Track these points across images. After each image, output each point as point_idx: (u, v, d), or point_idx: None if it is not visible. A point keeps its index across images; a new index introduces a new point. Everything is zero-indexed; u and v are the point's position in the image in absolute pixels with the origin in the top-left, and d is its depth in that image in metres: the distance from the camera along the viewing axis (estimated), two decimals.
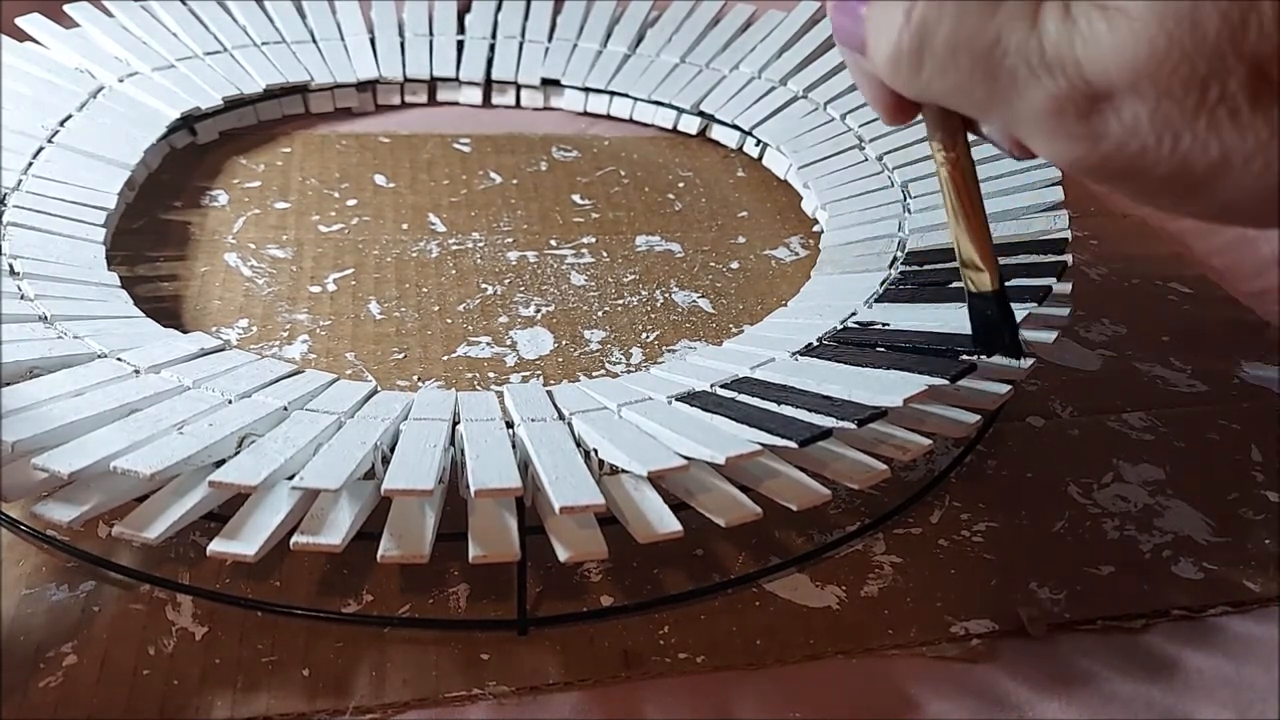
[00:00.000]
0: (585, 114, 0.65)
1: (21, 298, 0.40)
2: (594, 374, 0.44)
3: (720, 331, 0.47)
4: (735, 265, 0.52)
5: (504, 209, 0.56)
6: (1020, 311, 0.38)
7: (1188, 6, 0.19)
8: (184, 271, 0.49)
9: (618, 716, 0.31)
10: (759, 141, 0.60)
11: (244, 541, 0.29)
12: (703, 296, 0.50)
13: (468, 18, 0.67)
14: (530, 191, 0.57)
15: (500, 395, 0.37)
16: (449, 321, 0.47)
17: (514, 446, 0.33)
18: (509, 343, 0.46)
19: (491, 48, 0.66)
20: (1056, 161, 0.23)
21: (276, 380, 0.37)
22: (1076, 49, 0.21)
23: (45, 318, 0.39)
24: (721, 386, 0.37)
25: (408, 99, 0.65)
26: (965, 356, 0.36)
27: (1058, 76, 0.21)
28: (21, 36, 0.56)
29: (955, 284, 0.42)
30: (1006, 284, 0.40)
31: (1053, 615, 0.35)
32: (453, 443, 0.34)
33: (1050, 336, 0.39)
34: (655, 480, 0.32)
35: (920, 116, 0.28)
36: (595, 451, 0.33)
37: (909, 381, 0.35)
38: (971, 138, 0.28)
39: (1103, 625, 0.35)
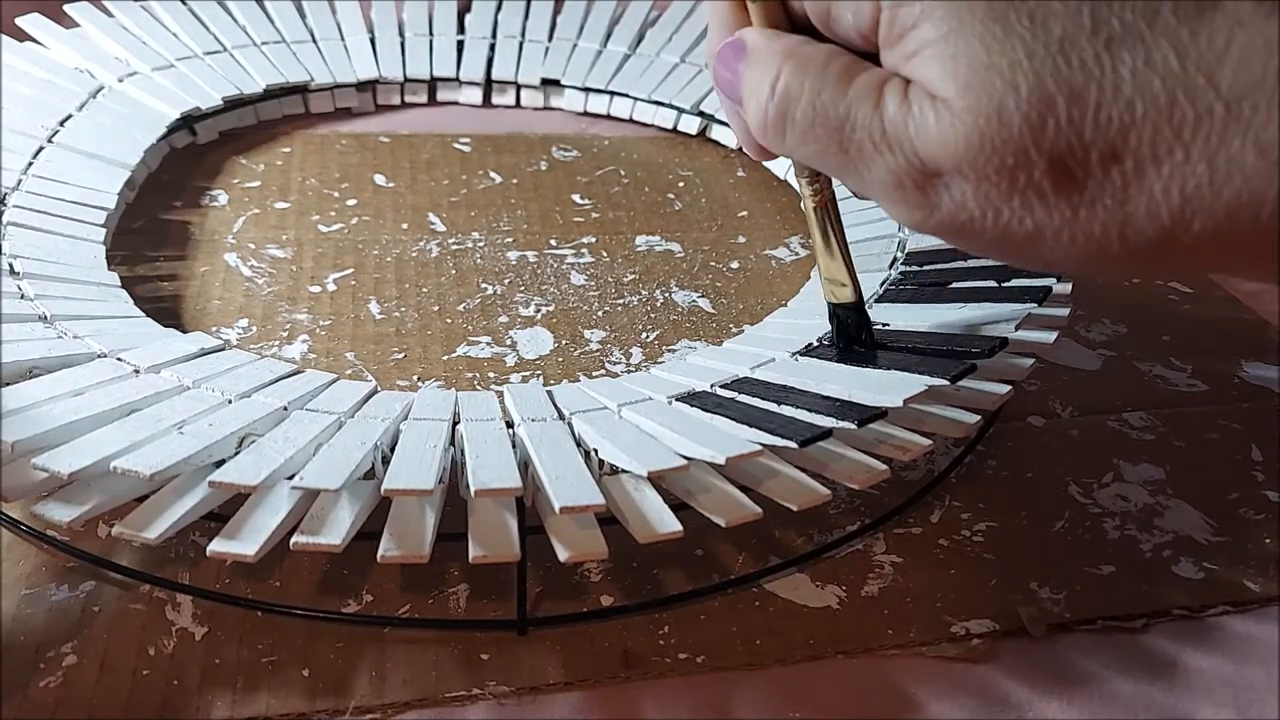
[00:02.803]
0: (585, 114, 0.65)
1: (21, 298, 0.40)
2: (594, 374, 0.44)
3: (720, 331, 0.47)
4: (735, 265, 0.52)
5: (504, 209, 0.56)
6: (1020, 311, 0.38)
7: (996, 108, 0.22)
8: (184, 271, 0.49)
9: (618, 716, 0.31)
10: None
11: (244, 541, 0.29)
12: (703, 296, 0.50)
13: (468, 18, 0.67)
14: (530, 191, 0.57)
15: (500, 395, 0.37)
16: (449, 321, 0.47)
17: (514, 446, 0.33)
18: (509, 343, 0.46)
19: (491, 48, 0.66)
20: (901, 223, 0.26)
21: (276, 380, 0.37)
22: (910, 131, 0.24)
23: (45, 318, 0.39)
24: (721, 386, 0.37)
25: (408, 99, 0.65)
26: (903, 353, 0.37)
27: (896, 154, 0.24)
28: (21, 36, 0.56)
29: (955, 284, 0.42)
30: (1005, 284, 0.40)
31: (1053, 615, 0.35)
32: (453, 443, 0.34)
33: (1050, 336, 0.39)
34: (655, 480, 0.32)
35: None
36: (595, 451, 0.33)
37: (909, 381, 0.35)
38: None
39: (1103, 625, 0.35)
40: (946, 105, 0.23)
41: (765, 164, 0.60)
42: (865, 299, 0.37)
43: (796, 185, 0.32)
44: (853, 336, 0.38)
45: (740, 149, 0.61)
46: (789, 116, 0.25)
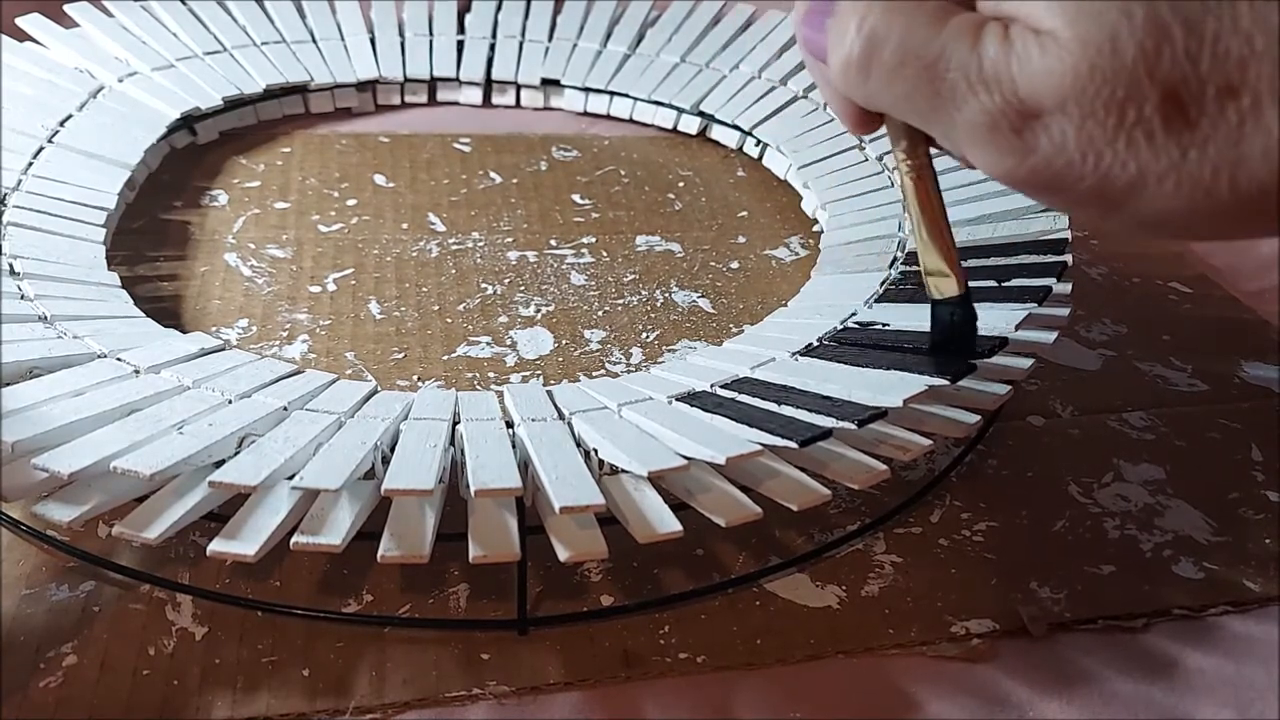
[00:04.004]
0: (585, 114, 0.65)
1: (21, 298, 0.40)
2: (594, 374, 0.44)
3: (720, 331, 0.47)
4: (735, 265, 0.52)
5: (504, 209, 0.56)
6: (1020, 311, 0.38)
7: (1109, 36, 0.21)
8: (184, 271, 0.49)
9: (618, 716, 0.31)
10: (759, 141, 0.60)
11: (244, 541, 0.29)
12: (703, 296, 0.50)
13: (468, 18, 0.67)
14: (530, 191, 0.57)
15: (500, 395, 0.37)
16: (449, 321, 0.47)
17: (514, 446, 0.33)
18: (509, 342, 0.46)
19: (491, 48, 0.66)
20: (990, 172, 0.24)
21: (276, 380, 0.37)
22: (1013, 69, 0.22)
23: (45, 318, 0.39)
24: (722, 386, 0.37)
25: (408, 99, 0.65)
26: (918, 354, 0.36)
27: (994, 93, 0.23)
28: (21, 36, 0.56)
29: None
30: (1005, 284, 0.40)
31: (1053, 615, 0.35)
32: (453, 443, 0.34)
33: (1050, 336, 0.39)
34: (655, 480, 0.32)
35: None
36: (595, 451, 0.33)
37: (909, 381, 0.35)
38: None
39: (1103, 625, 0.35)
40: (1053, 38, 0.22)
41: (765, 163, 0.60)
42: (869, 299, 0.36)
43: (893, 158, 0.30)
44: (956, 337, 0.35)
45: (740, 149, 0.62)
46: (876, 57, 0.24)
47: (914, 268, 0.44)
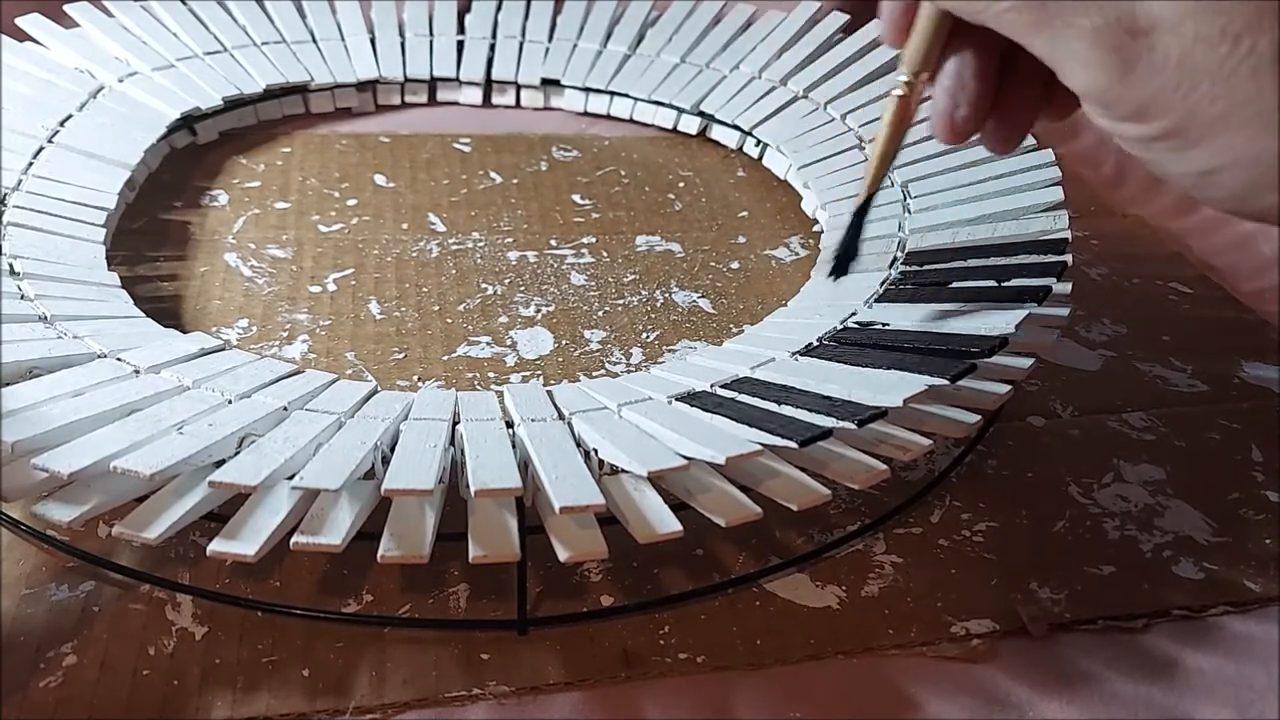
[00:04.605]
0: (585, 114, 0.65)
1: (21, 298, 0.40)
2: (594, 374, 0.44)
3: (720, 331, 0.47)
4: (735, 265, 0.52)
5: (504, 209, 0.56)
6: (1020, 311, 0.38)
7: None
8: (184, 271, 0.49)
9: (618, 716, 0.31)
10: (759, 141, 0.60)
11: (244, 541, 0.29)
12: (703, 296, 0.50)
13: (468, 18, 0.67)
14: (530, 191, 0.57)
15: (500, 395, 0.37)
16: (449, 321, 0.47)
17: (514, 446, 0.33)
18: (509, 343, 0.46)
19: (491, 48, 0.66)
20: (1081, 87, 0.25)
21: (276, 380, 0.37)
22: None
23: (45, 318, 0.39)
24: (721, 386, 0.37)
25: (408, 99, 0.65)
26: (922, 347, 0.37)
27: (1107, 8, 0.23)
28: (21, 36, 0.56)
29: (955, 284, 0.42)
30: (1005, 284, 0.40)
31: (1053, 615, 0.35)
32: (453, 443, 0.34)
33: (1050, 336, 0.39)
34: (655, 480, 0.32)
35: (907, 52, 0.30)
36: (595, 451, 0.33)
37: (909, 381, 0.35)
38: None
39: (1103, 625, 0.35)
40: None
41: (765, 163, 0.60)
42: (869, 299, 0.37)
43: (902, 72, 0.31)
44: (843, 251, 0.38)
45: (740, 149, 0.62)
46: None
47: (914, 268, 0.44)
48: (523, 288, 0.49)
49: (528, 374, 0.44)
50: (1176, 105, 0.23)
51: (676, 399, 0.36)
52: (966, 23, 0.27)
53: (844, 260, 0.39)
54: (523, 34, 0.67)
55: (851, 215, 0.37)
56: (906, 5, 0.29)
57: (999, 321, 0.38)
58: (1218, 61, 0.22)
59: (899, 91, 0.32)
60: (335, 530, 0.30)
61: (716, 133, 0.63)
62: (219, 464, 0.31)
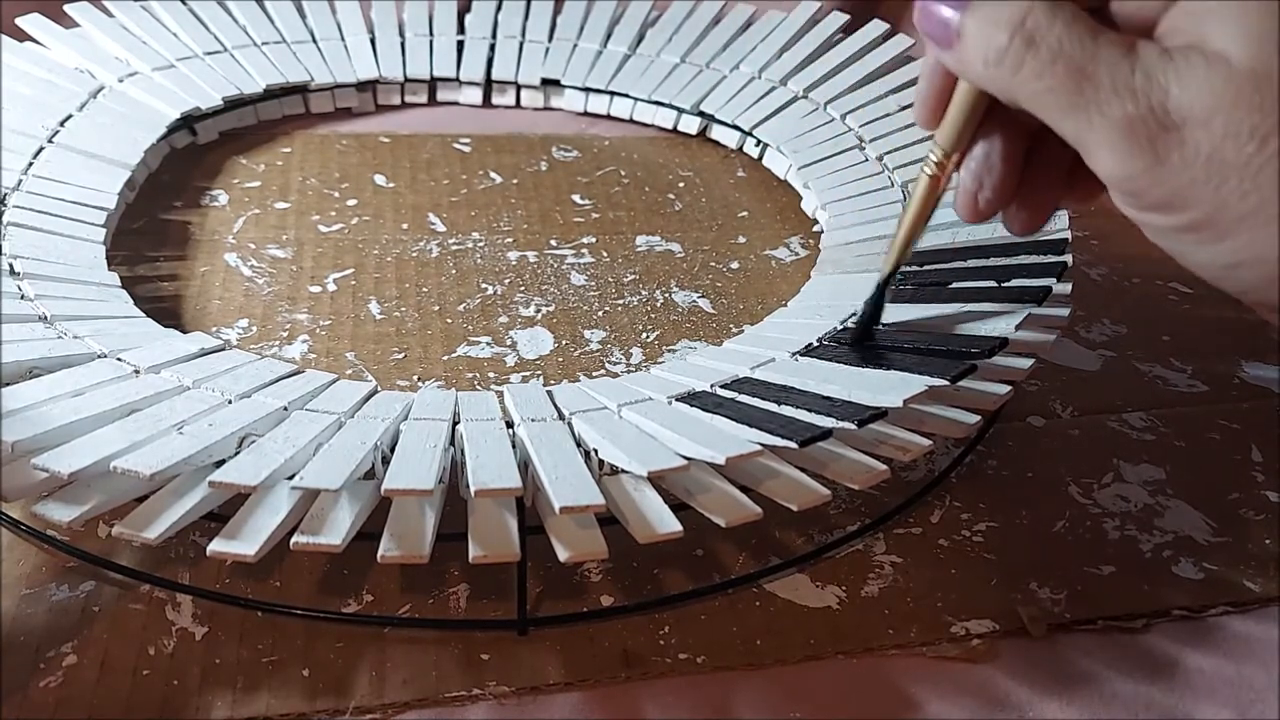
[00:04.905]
0: (585, 114, 0.65)
1: (21, 298, 0.40)
2: (594, 374, 0.44)
3: (720, 331, 0.47)
4: (735, 265, 0.52)
5: (504, 209, 0.56)
6: (1020, 311, 0.38)
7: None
8: (184, 271, 0.49)
9: (618, 716, 0.31)
10: (759, 141, 0.60)
11: (244, 541, 0.29)
12: (703, 296, 0.50)
13: (468, 18, 0.67)
14: (530, 191, 0.57)
15: (500, 395, 0.37)
16: (449, 321, 0.47)
17: (514, 446, 0.33)
18: (509, 343, 0.46)
19: (491, 48, 0.66)
20: (1111, 175, 0.25)
21: (276, 380, 0.37)
22: (1169, 78, 0.24)
23: (45, 318, 0.39)
24: (721, 386, 0.37)
25: (408, 99, 0.65)
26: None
27: (1140, 100, 0.24)
28: (21, 36, 0.56)
29: (955, 284, 0.42)
30: (1006, 284, 0.40)
31: (1053, 615, 0.35)
32: (453, 443, 0.34)
33: (1050, 336, 0.39)
34: (655, 480, 0.32)
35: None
36: (595, 451, 0.33)
37: (909, 382, 0.35)
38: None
39: (1103, 625, 0.35)
40: (1222, 59, 0.23)
41: (765, 163, 0.60)
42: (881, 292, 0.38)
43: (933, 152, 0.31)
44: (865, 320, 0.39)
45: (740, 149, 0.62)
46: (1031, 49, 0.25)
47: (914, 268, 0.44)
48: (523, 288, 0.49)
49: (528, 374, 0.44)
50: (1206, 199, 0.24)
51: (676, 399, 0.36)
52: (997, 105, 0.28)
53: (867, 330, 0.39)
54: (523, 34, 0.67)
55: (875, 288, 0.37)
56: (941, 87, 0.29)
57: (999, 322, 0.38)
58: (1245, 159, 0.23)
59: (930, 171, 0.32)
60: (335, 530, 0.30)
61: (716, 133, 0.63)
62: (219, 464, 0.31)
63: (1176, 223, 0.25)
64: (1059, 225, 0.44)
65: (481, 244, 0.53)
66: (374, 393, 0.37)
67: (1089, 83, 0.24)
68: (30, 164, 0.48)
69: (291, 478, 0.31)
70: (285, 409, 0.35)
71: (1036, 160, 0.30)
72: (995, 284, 0.41)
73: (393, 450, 0.32)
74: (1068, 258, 0.42)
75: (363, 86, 0.63)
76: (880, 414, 0.33)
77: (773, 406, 0.34)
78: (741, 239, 0.55)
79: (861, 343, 0.39)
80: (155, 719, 0.30)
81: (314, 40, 0.63)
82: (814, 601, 0.35)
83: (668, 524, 0.31)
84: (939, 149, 0.31)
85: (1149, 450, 0.43)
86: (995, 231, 0.45)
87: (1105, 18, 0.26)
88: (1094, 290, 0.53)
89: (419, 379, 0.43)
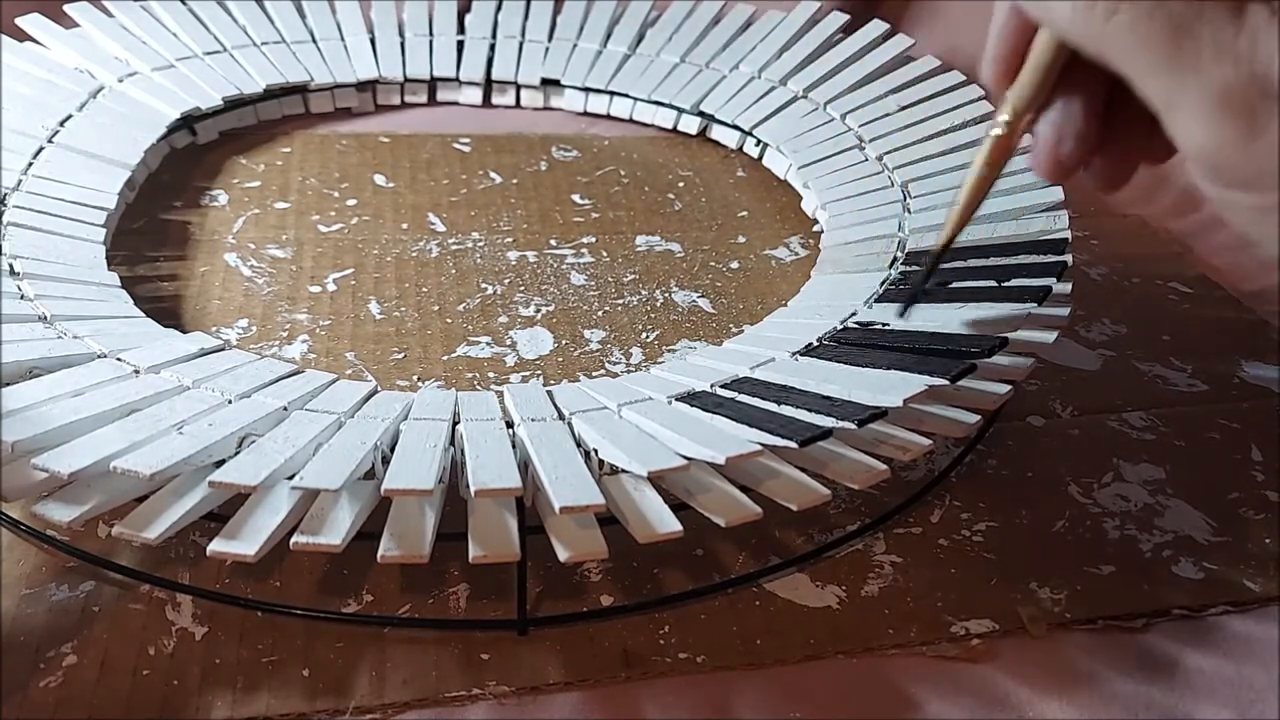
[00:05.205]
0: (585, 114, 0.65)
1: (21, 298, 0.40)
2: (594, 374, 0.44)
3: (720, 331, 0.47)
4: (735, 265, 0.52)
5: (504, 209, 0.56)
6: (1020, 312, 0.38)
7: None
8: (184, 271, 0.49)
9: (618, 716, 0.31)
10: (759, 141, 0.60)
11: (244, 541, 0.29)
12: (703, 296, 0.50)
13: (468, 18, 0.67)
14: (530, 191, 0.57)
15: (500, 395, 0.37)
16: (449, 321, 0.47)
17: (514, 446, 0.33)
18: (509, 343, 0.46)
19: (491, 48, 0.66)
20: (1198, 146, 0.23)
21: (276, 380, 0.37)
22: (1271, 46, 0.22)
23: (45, 318, 0.39)
24: (721, 386, 0.37)
25: (408, 99, 0.65)
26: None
27: (1240, 66, 0.22)
28: (21, 36, 0.56)
29: (955, 284, 0.42)
30: (1005, 284, 0.40)
31: (1053, 615, 0.35)
32: (453, 443, 0.34)
33: (1050, 336, 0.39)
34: (655, 480, 0.32)
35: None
36: (595, 451, 0.33)
37: (909, 381, 0.35)
38: None
39: (1103, 625, 0.35)
40: None
41: (765, 163, 0.60)
42: (869, 299, 0.37)
43: (1001, 108, 0.29)
44: (914, 293, 0.38)
45: (740, 149, 0.62)
46: None
47: (913, 268, 0.44)
48: (523, 288, 0.49)
49: (528, 374, 0.44)
50: None
51: (676, 399, 0.36)
52: (1074, 64, 0.26)
53: (914, 301, 0.38)
54: (523, 34, 0.67)
55: (930, 258, 0.35)
56: (1016, 45, 0.28)
57: (999, 321, 0.38)
58: None
59: (999, 130, 0.30)
60: (335, 530, 0.30)
61: (716, 133, 0.63)
62: (219, 464, 0.31)
63: (1263, 203, 0.23)
64: (1059, 225, 0.44)
65: (481, 244, 0.53)
66: (374, 393, 0.37)
67: (1189, 40, 0.22)
68: (30, 164, 0.48)
69: (291, 478, 0.31)
70: (285, 409, 0.35)
71: (1117, 118, 0.28)
72: (995, 284, 0.41)
73: (393, 450, 0.32)
74: (1068, 258, 0.42)
75: (362, 86, 0.63)
76: (880, 414, 0.33)
77: (773, 406, 0.34)
78: (741, 239, 0.55)
79: (906, 314, 0.38)
80: (155, 719, 0.30)
81: (314, 40, 0.63)
82: (814, 601, 0.35)
83: (668, 524, 0.31)
84: (1010, 107, 0.29)
85: (1149, 450, 0.43)
86: (995, 231, 0.45)
87: None
88: (1094, 290, 0.53)
89: (419, 379, 0.43)
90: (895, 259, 0.45)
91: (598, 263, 0.52)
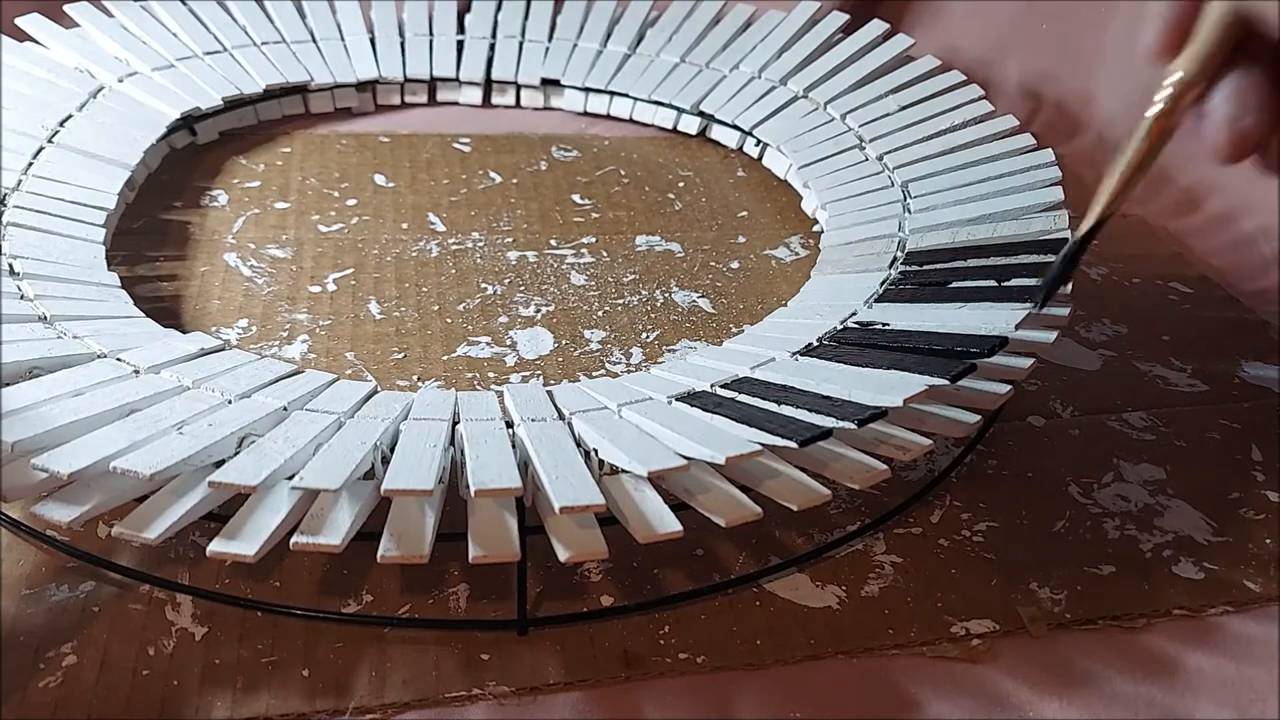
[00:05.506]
0: (585, 114, 0.65)
1: (21, 298, 0.40)
2: (594, 374, 0.44)
3: (720, 331, 0.47)
4: (735, 265, 0.52)
5: (504, 209, 0.56)
6: (1019, 311, 0.38)
7: None
8: (184, 271, 0.49)
9: (618, 716, 0.31)
10: (759, 141, 0.60)
11: (244, 541, 0.29)
12: (703, 296, 0.50)
13: (468, 18, 0.67)
14: (530, 191, 0.57)
15: (500, 395, 0.37)
16: (449, 321, 0.47)
17: (514, 446, 0.33)
18: (509, 343, 0.46)
19: (491, 48, 0.66)
20: None
21: (276, 380, 0.37)
22: None
23: (45, 318, 0.39)
24: (721, 386, 0.37)
25: (408, 99, 0.65)
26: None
27: None
28: (21, 36, 0.56)
29: (955, 284, 0.42)
30: (1005, 284, 0.40)
31: (1053, 615, 0.35)
32: (453, 443, 0.34)
33: (1050, 336, 0.39)
34: (655, 480, 0.32)
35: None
36: (595, 451, 0.33)
37: (909, 381, 0.35)
38: None
39: (1103, 625, 0.35)
40: None
41: (765, 163, 0.60)
42: (869, 299, 0.36)
43: (1161, 93, 0.27)
44: (1053, 280, 0.35)
45: (740, 149, 0.62)
46: None
47: (913, 267, 0.44)
48: (523, 288, 0.49)
49: (528, 374, 0.44)
50: None
51: (676, 399, 0.36)
52: (1249, 36, 0.25)
53: (1053, 289, 0.36)
54: (523, 34, 0.67)
55: (1075, 242, 0.32)
56: (1184, 12, 0.26)
57: (999, 321, 0.38)
58: None
59: (1163, 106, 0.28)
60: (335, 530, 0.30)
61: (716, 133, 0.63)
62: (219, 464, 0.31)
63: None
64: (1059, 225, 0.44)
65: (481, 244, 0.53)
66: (374, 393, 0.37)
67: None
68: (30, 164, 0.48)
69: (291, 478, 0.31)
70: (285, 409, 0.35)
71: None
72: (995, 284, 0.41)
73: (393, 450, 0.32)
74: None
75: (363, 86, 0.63)
76: (880, 414, 0.33)
77: (773, 406, 0.34)
78: (741, 239, 0.55)
79: (1046, 304, 0.37)
80: (155, 719, 0.30)
81: (314, 40, 0.63)
82: (814, 601, 0.35)
83: (668, 524, 0.31)
84: (1177, 79, 0.27)
85: (1149, 450, 0.43)
86: (995, 231, 0.45)
87: None
88: (1094, 290, 0.53)
89: (419, 379, 0.43)
90: (895, 259, 0.45)
91: (598, 263, 0.52)
